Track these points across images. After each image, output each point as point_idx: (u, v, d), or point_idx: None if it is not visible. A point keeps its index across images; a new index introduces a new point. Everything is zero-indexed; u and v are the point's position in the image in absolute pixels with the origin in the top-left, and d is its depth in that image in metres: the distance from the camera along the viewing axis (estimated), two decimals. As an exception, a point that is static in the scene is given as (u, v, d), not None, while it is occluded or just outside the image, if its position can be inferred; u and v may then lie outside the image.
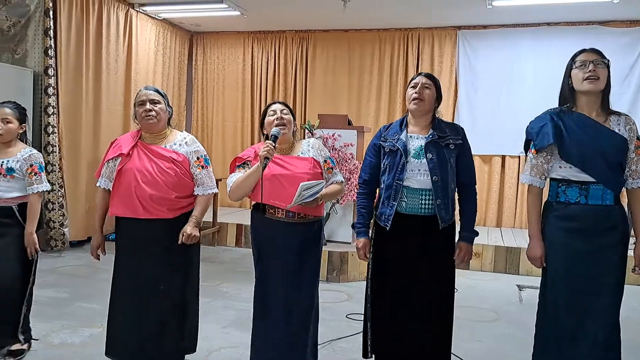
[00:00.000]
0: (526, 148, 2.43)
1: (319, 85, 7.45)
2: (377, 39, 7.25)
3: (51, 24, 5.31)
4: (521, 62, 6.69)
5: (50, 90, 5.34)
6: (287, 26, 7.40)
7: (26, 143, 2.97)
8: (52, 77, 5.35)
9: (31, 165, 2.83)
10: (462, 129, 2.58)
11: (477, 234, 2.57)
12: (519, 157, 6.72)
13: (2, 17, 5.30)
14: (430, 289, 2.48)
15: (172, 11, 6.65)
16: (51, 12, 5.31)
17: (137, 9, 6.50)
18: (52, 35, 5.32)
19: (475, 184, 2.58)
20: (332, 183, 2.63)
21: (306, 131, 5.14)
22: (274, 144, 2.44)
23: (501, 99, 6.69)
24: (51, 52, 5.32)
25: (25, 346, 2.90)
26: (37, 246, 2.86)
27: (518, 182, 6.75)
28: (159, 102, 2.61)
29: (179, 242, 2.59)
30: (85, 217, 5.84)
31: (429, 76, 2.55)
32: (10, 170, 2.79)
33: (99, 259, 2.77)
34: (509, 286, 4.93)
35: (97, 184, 2.72)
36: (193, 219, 2.64)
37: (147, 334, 2.62)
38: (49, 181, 5.22)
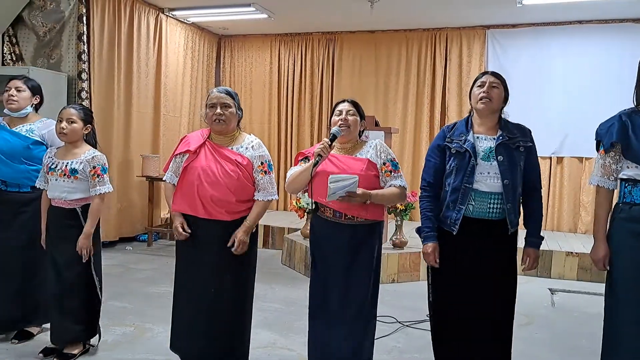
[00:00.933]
0: (597, 149, 2.36)
1: (345, 87, 7.44)
2: (404, 39, 7.21)
3: (84, 29, 5.44)
4: (552, 61, 6.57)
5: (84, 94, 5.48)
6: (314, 28, 7.43)
7: (94, 145, 2.97)
8: (85, 81, 5.48)
9: (94, 167, 2.84)
10: (530, 130, 2.51)
11: (543, 238, 2.51)
12: (550, 158, 6.61)
13: (39, 23, 5.46)
14: (495, 295, 2.43)
15: (200, 15, 6.74)
16: (84, 18, 5.44)
17: (167, 14, 6.61)
18: (85, 40, 5.45)
19: (541, 188, 2.53)
20: (390, 186, 2.53)
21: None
22: (330, 143, 2.42)
23: (531, 99, 6.56)
24: (84, 57, 5.45)
25: (77, 350, 2.94)
26: (90, 247, 2.85)
27: (550, 184, 6.63)
28: (229, 106, 2.62)
29: (228, 244, 2.57)
30: (116, 218, 5.96)
31: (497, 75, 2.48)
32: (73, 171, 2.81)
33: (189, 233, 2.61)
34: (541, 289, 4.84)
35: (164, 178, 2.76)
36: (246, 223, 2.61)
37: (200, 334, 2.63)
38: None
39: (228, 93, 2.66)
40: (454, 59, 6.97)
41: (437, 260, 2.48)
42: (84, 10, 5.43)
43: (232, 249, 2.59)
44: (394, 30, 7.22)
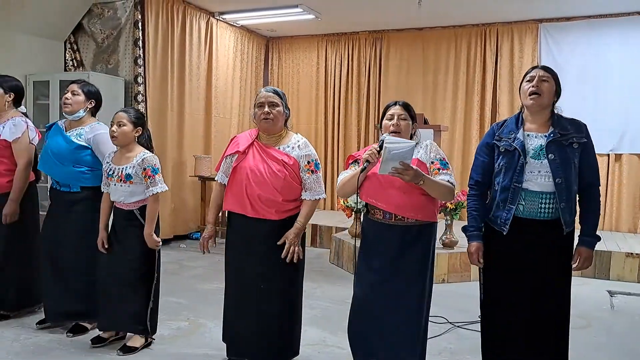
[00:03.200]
0: None
1: (392, 85, 7.40)
2: (452, 36, 7.10)
3: (140, 35, 5.66)
4: (609, 55, 6.32)
5: (140, 97, 5.69)
6: (361, 27, 7.42)
7: (149, 147, 3.04)
8: (141, 85, 5.70)
9: (144, 169, 2.90)
10: (585, 125, 2.41)
11: (599, 238, 2.42)
12: (608, 155, 6.35)
13: (97, 30, 5.72)
14: (549, 298, 2.37)
15: (249, 18, 6.87)
16: (140, 24, 5.66)
17: (217, 17, 6.78)
18: (140, 45, 5.66)
19: (599, 185, 2.42)
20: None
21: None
22: (378, 150, 2.36)
23: (587, 94, 6.34)
24: (140, 61, 5.66)
25: (139, 344, 3.06)
26: (159, 245, 2.97)
27: (607, 182, 6.37)
28: (277, 105, 2.67)
29: (279, 243, 2.63)
30: (171, 217, 6.17)
31: (547, 69, 2.40)
32: (128, 176, 2.90)
33: (208, 251, 2.82)
34: (599, 292, 4.66)
35: (215, 178, 2.85)
36: (297, 224, 2.65)
37: (250, 332, 2.69)
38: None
39: (276, 92, 2.71)
40: (505, 54, 6.81)
41: (481, 260, 2.45)
42: (139, 17, 5.65)
43: (283, 253, 2.62)
44: (442, 27, 7.12)
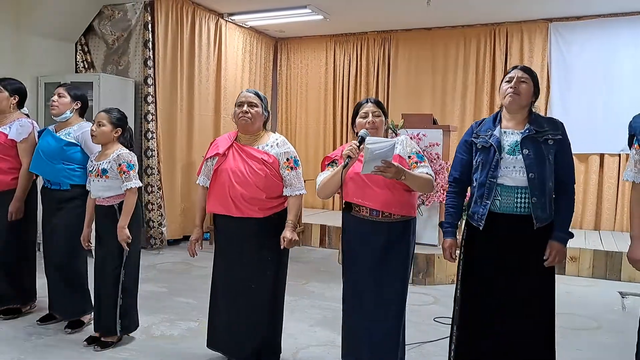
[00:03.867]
0: (630, 144, 2.28)
1: (401, 85, 7.39)
2: (461, 35, 7.07)
3: (150, 36, 5.70)
4: (620, 54, 6.25)
5: (149, 99, 5.73)
6: (369, 27, 7.41)
7: (129, 146, 3.12)
8: (151, 86, 5.73)
9: (119, 165, 2.99)
10: (562, 123, 2.44)
11: (571, 235, 2.42)
12: (619, 155, 6.27)
13: (108, 32, 5.76)
14: (526, 293, 2.38)
15: (258, 19, 6.89)
16: (150, 25, 5.70)
17: (226, 19, 6.80)
18: (150, 47, 5.70)
19: (574, 183, 2.45)
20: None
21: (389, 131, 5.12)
22: (358, 144, 2.43)
23: (598, 94, 6.27)
24: (150, 63, 5.70)
25: (113, 339, 3.13)
26: (129, 240, 3.00)
27: (618, 182, 6.30)
28: (256, 106, 2.74)
29: (282, 247, 2.69)
30: (181, 217, 6.20)
31: (526, 69, 2.44)
32: (104, 171, 3.00)
33: (195, 254, 2.90)
34: (610, 293, 4.63)
35: (197, 182, 2.89)
36: (289, 223, 2.72)
37: (241, 331, 2.75)
38: (148, 184, 5.68)
39: (256, 94, 2.79)
40: (515, 54, 6.77)
41: (454, 256, 2.52)
42: (149, 18, 5.69)
43: (284, 244, 2.69)
44: (451, 27, 7.10)
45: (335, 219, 6.66)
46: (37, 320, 3.44)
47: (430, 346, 3.30)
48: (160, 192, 5.90)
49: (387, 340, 2.54)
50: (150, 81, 5.72)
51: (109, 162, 3.00)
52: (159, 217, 5.85)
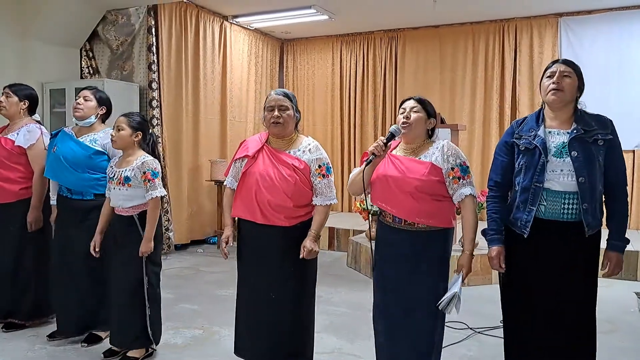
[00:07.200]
0: None
1: (409, 84, 7.29)
2: (470, 32, 6.96)
3: (154, 41, 5.66)
4: (632, 48, 6.12)
5: (154, 103, 5.70)
6: (376, 26, 7.33)
7: (151, 152, 2.98)
8: (156, 91, 5.70)
9: (144, 173, 2.84)
10: (611, 121, 2.28)
11: (628, 241, 2.30)
12: (634, 151, 6.14)
13: (112, 37, 5.74)
14: (571, 303, 2.26)
15: (263, 20, 6.82)
16: (153, 30, 5.66)
17: (231, 21, 6.76)
18: (154, 51, 5.67)
19: (626, 185, 2.30)
20: (459, 198, 2.31)
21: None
22: (385, 142, 2.31)
23: (611, 89, 6.14)
24: (154, 67, 5.67)
25: (139, 355, 3.00)
26: (152, 251, 2.89)
27: (633, 179, 6.16)
28: (287, 109, 2.59)
29: (300, 256, 2.54)
30: (188, 222, 6.16)
31: (568, 63, 2.29)
32: (127, 179, 2.85)
33: (227, 254, 2.69)
34: (626, 294, 4.50)
35: (225, 183, 2.78)
36: (312, 232, 2.57)
37: (263, 341, 2.63)
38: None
39: (286, 95, 2.63)
40: (525, 50, 6.65)
41: (503, 265, 2.34)
42: (153, 22, 5.65)
43: (302, 255, 2.54)
44: (460, 24, 6.99)
45: (344, 221, 6.59)
46: (47, 336, 3.30)
47: (460, 348, 3.22)
48: (167, 197, 5.86)
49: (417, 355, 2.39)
50: (154, 85, 5.68)
51: (132, 169, 2.85)
52: (166, 222, 5.81)
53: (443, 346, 2.75)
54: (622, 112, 5.85)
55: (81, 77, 5.76)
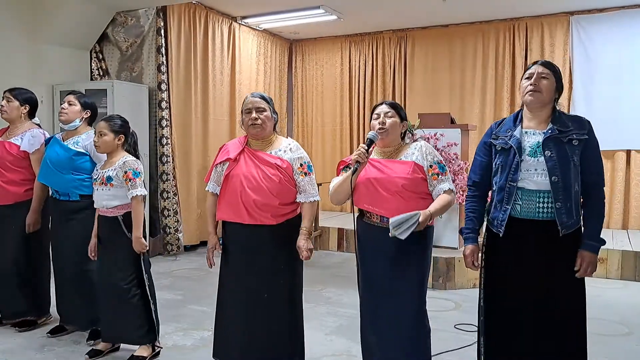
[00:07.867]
0: None
1: (418, 84, 7.26)
2: (479, 32, 6.91)
3: (163, 42, 5.68)
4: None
5: (164, 104, 5.71)
6: (384, 26, 7.30)
7: (134, 153, 3.04)
8: (165, 92, 5.71)
9: (125, 172, 2.91)
10: (589, 122, 2.28)
11: (603, 242, 2.27)
12: (647, 151, 6.07)
13: (121, 38, 5.76)
14: (553, 302, 2.24)
15: (271, 21, 6.82)
16: (162, 31, 5.68)
17: (240, 22, 6.76)
18: (163, 53, 5.68)
19: (603, 186, 2.29)
20: (438, 191, 2.40)
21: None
22: (366, 148, 2.36)
23: (623, 88, 6.05)
24: (163, 68, 5.68)
25: (146, 353, 3.01)
26: (146, 249, 2.95)
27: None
28: (264, 110, 2.64)
29: (301, 258, 2.61)
30: (197, 223, 6.16)
31: (546, 64, 2.30)
32: (109, 179, 2.92)
33: (214, 264, 2.78)
34: (640, 296, 4.44)
35: (206, 188, 2.80)
36: (304, 230, 2.63)
37: (253, 342, 2.64)
38: (164, 190, 5.66)
39: (262, 97, 2.69)
40: (535, 49, 6.59)
41: (476, 264, 2.39)
42: (162, 24, 5.67)
43: (300, 256, 2.62)
44: (469, 23, 6.94)
45: (352, 223, 6.55)
46: (47, 332, 3.39)
47: (450, 356, 3.18)
48: (176, 198, 5.86)
49: (402, 356, 2.42)
50: (164, 87, 5.69)
51: (115, 169, 2.93)
52: (175, 223, 5.82)
53: (453, 349, 2.71)
54: (634, 112, 5.78)
55: (91, 79, 5.78)
